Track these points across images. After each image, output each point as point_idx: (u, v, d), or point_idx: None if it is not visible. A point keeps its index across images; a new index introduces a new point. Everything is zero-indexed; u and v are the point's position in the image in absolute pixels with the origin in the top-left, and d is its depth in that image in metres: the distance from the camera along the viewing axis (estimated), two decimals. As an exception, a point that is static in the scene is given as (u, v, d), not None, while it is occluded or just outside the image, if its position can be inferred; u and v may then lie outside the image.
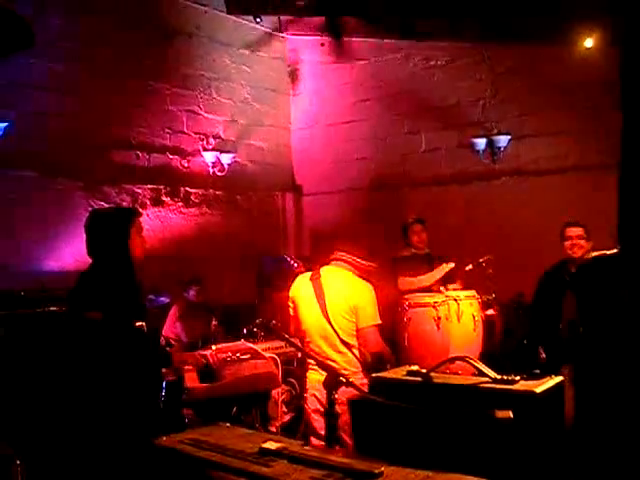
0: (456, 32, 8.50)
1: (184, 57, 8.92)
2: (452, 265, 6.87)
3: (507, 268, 7.22)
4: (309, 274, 4.97)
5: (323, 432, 4.42)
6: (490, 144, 8.66)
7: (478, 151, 8.72)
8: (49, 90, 7.47)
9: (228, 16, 9.34)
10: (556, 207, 7.80)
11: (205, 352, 5.55)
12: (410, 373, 3.29)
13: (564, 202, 7.86)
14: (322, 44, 9.53)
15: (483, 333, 6.84)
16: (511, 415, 2.69)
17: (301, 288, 4.94)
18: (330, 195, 9.91)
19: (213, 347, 5.65)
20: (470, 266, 7.13)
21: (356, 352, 4.76)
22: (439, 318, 6.41)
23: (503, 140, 8.57)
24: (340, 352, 4.74)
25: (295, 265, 6.00)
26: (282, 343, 6.52)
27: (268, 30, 9.95)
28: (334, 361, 4.68)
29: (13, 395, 4.77)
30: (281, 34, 10.15)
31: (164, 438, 2.78)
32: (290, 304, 5.00)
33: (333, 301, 4.77)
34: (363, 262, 4.98)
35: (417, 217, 7.22)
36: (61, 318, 4.10)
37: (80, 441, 3.66)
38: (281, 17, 9.80)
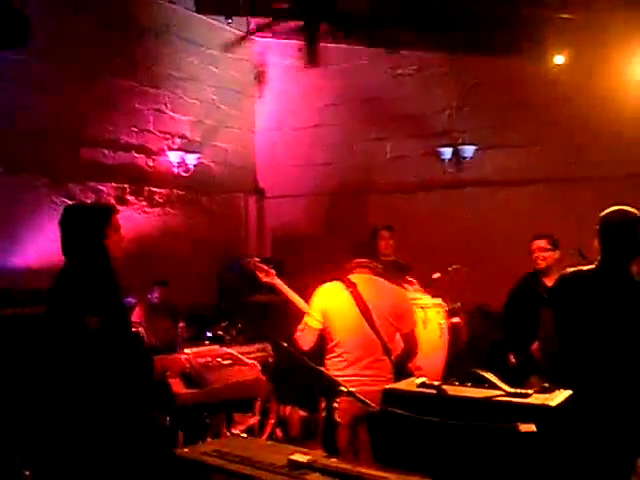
0: (426, 43, 8.58)
1: (152, 56, 8.82)
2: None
3: (472, 277, 7.33)
4: (338, 284, 4.84)
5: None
6: (456, 154, 8.78)
7: (444, 160, 8.83)
8: (15, 85, 7.30)
9: (197, 16, 9.25)
10: (521, 218, 7.96)
11: (181, 356, 5.47)
12: (422, 385, 3.31)
13: (529, 213, 8.02)
14: (299, 49, 9.49)
15: (448, 340, 6.92)
16: (534, 428, 2.72)
17: (334, 299, 4.77)
18: (293, 199, 9.89)
19: (187, 351, 5.57)
20: (438, 274, 7.21)
21: (392, 358, 4.75)
22: (406, 325, 6.44)
23: (469, 150, 8.69)
24: (381, 360, 4.69)
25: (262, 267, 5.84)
26: (254, 348, 6.51)
27: (236, 31, 9.89)
28: (376, 369, 4.63)
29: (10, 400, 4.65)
30: (250, 36, 10.10)
31: (186, 450, 2.74)
32: (317, 316, 4.74)
33: (379, 308, 4.69)
34: (380, 267, 4.98)
35: (386, 224, 7.26)
36: (50, 320, 3.95)
37: (80, 448, 3.58)
38: (251, 19, 9.75)
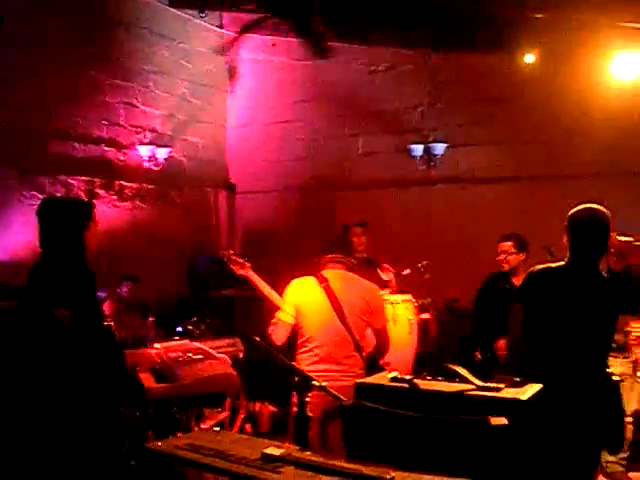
0: (399, 40, 8.61)
1: (124, 49, 8.74)
2: (390, 270, 6.97)
3: (442, 273, 7.38)
4: (310, 279, 4.85)
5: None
6: (427, 151, 8.81)
7: (415, 157, 8.86)
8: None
9: (169, 9, 9.18)
10: (491, 215, 8.03)
11: (151, 351, 5.46)
12: (394, 379, 3.33)
13: (498, 210, 8.09)
14: (273, 44, 9.47)
15: (418, 336, 6.97)
16: (506, 422, 2.76)
17: (306, 294, 4.79)
18: (264, 194, 9.88)
19: (157, 345, 5.55)
20: (408, 270, 7.26)
21: (363, 355, 4.77)
22: (375, 322, 6.47)
23: (440, 147, 8.73)
24: (352, 356, 4.70)
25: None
26: (224, 343, 6.52)
27: (208, 25, 9.84)
28: (347, 365, 4.65)
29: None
30: (221, 30, 10.06)
31: (159, 443, 2.73)
32: (290, 311, 4.77)
33: (350, 303, 4.72)
34: (354, 262, 5.00)
35: (359, 220, 7.28)
36: (22, 312, 3.93)
37: (49, 442, 3.56)
38: (224, 14, 9.72)
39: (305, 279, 4.88)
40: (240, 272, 5.34)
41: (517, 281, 6.44)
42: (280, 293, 5.04)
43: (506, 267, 6.49)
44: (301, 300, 4.79)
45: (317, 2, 8.19)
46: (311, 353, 4.70)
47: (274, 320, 4.86)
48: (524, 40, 7.68)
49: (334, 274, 4.84)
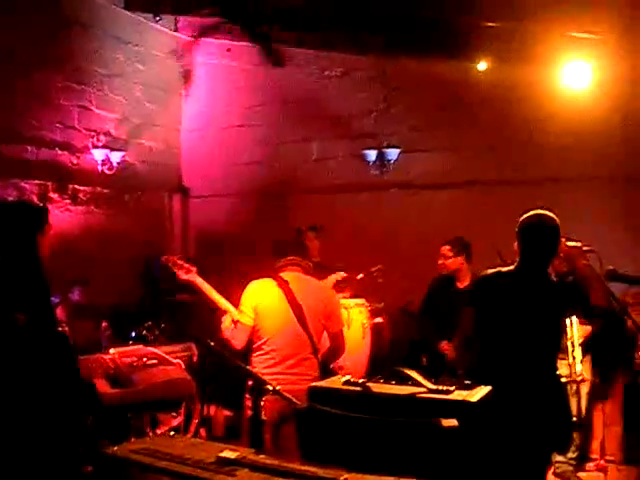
0: (353, 46, 8.67)
1: (78, 51, 8.65)
2: (343, 275, 7.00)
3: (395, 277, 7.46)
4: (270, 281, 4.87)
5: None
6: (380, 156, 8.88)
7: (368, 162, 8.93)
8: None
9: (125, 12, 9.11)
10: (442, 220, 8.12)
11: (105, 356, 5.45)
12: (347, 382, 3.38)
13: (450, 215, 8.20)
14: (228, 49, 9.48)
15: (371, 340, 7.05)
16: (456, 423, 2.83)
17: (266, 296, 4.80)
18: (219, 198, 9.87)
19: (112, 350, 5.54)
20: (361, 275, 7.33)
21: (319, 357, 4.80)
22: (329, 326, 6.51)
23: (393, 153, 8.82)
24: (309, 358, 4.73)
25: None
26: (179, 347, 6.52)
27: (164, 29, 9.80)
28: (304, 366, 4.68)
29: None
30: (176, 34, 10.03)
31: (115, 448, 2.75)
32: (249, 312, 4.77)
33: (310, 306, 4.76)
34: (310, 264, 5.04)
35: (312, 224, 7.32)
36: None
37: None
38: (179, 18, 9.70)
39: (264, 281, 4.89)
40: (185, 277, 5.10)
41: (461, 284, 6.59)
42: (234, 297, 5.03)
43: (444, 271, 6.65)
44: (260, 302, 4.78)
45: (269, 8, 8.20)
46: (268, 356, 4.71)
47: (226, 324, 4.86)
48: (477, 48, 7.80)
49: (292, 276, 4.87)
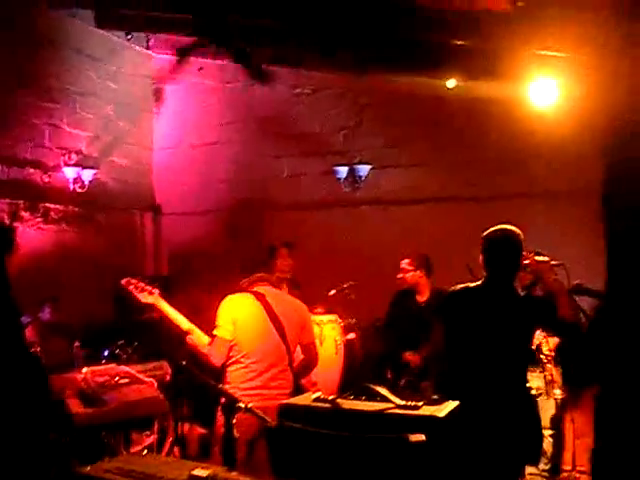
0: (324, 63, 8.72)
1: (50, 69, 8.68)
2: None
3: (367, 293, 7.51)
4: (247, 295, 4.85)
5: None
6: (351, 172, 8.95)
7: (340, 179, 8.99)
8: None
9: (97, 30, 9.15)
10: (412, 236, 8.18)
11: (78, 375, 5.42)
12: (317, 400, 3.42)
13: (419, 231, 8.26)
14: (200, 68, 9.50)
15: (344, 356, 7.09)
16: (424, 438, 2.87)
17: (244, 309, 4.77)
18: (191, 216, 9.89)
19: (84, 370, 5.52)
20: (333, 291, 7.38)
21: (293, 368, 4.82)
22: (302, 342, 6.54)
23: (364, 169, 8.89)
24: (285, 370, 4.74)
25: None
26: (151, 366, 6.49)
27: (136, 47, 9.84)
28: (281, 379, 4.69)
29: None
30: (148, 52, 10.07)
31: (88, 468, 2.76)
32: (228, 327, 4.69)
33: (289, 318, 4.78)
34: (277, 281, 5.07)
35: (285, 241, 7.34)
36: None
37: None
38: (151, 36, 9.72)
39: (241, 295, 4.88)
40: (146, 300, 4.87)
41: (420, 298, 6.66)
42: (208, 313, 5.03)
43: (404, 284, 6.72)
44: (239, 315, 4.75)
45: (242, 26, 8.23)
46: (247, 369, 4.66)
47: (202, 342, 4.80)
48: (446, 65, 7.88)
49: (266, 290, 4.90)
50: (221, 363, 4.67)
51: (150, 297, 4.90)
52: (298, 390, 4.70)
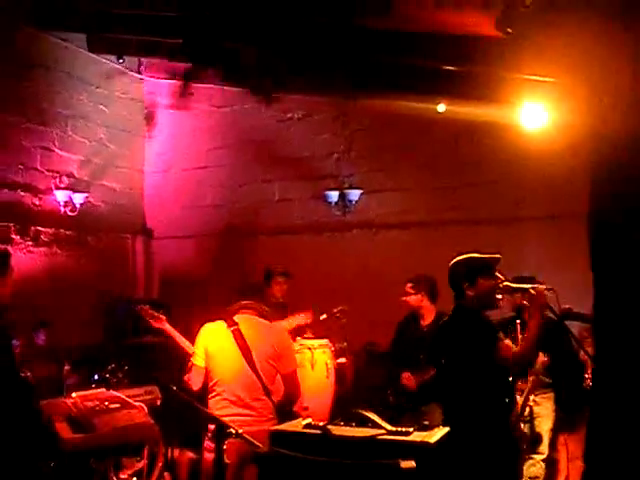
0: (314, 88, 8.76)
1: (41, 92, 8.70)
2: (306, 318, 7.05)
3: (357, 317, 7.50)
4: (221, 323, 4.93)
5: None
6: (342, 197, 8.98)
7: (330, 203, 9.02)
8: None
9: (88, 54, 9.20)
10: (402, 260, 8.20)
11: (68, 400, 5.40)
12: (308, 426, 3.41)
13: (409, 255, 8.27)
14: (191, 92, 9.53)
15: (335, 380, 7.07)
16: (414, 465, 2.87)
17: (216, 338, 4.88)
18: (182, 240, 9.89)
19: (74, 394, 5.49)
20: (324, 315, 7.37)
21: (274, 399, 4.83)
22: (294, 366, 6.53)
23: (354, 194, 8.92)
24: (261, 400, 4.76)
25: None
26: (142, 391, 6.47)
27: (127, 71, 9.88)
28: (255, 409, 4.70)
29: None
30: (140, 76, 10.12)
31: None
32: (201, 354, 4.85)
33: (259, 348, 4.80)
34: (266, 309, 5.09)
35: (284, 270, 7.33)
36: None
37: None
38: (143, 60, 9.76)
39: (215, 323, 4.99)
40: (156, 325, 5.60)
41: (424, 322, 6.65)
42: (194, 339, 5.12)
43: (407, 307, 6.71)
44: (210, 344, 4.89)
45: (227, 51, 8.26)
46: (220, 397, 4.77)
47: (189, 366, 4.93)
48: (435, 90, 7.92)
49: (244, 319, 4.95)
50: (197, 388, 4.82)
51: (159, 323, 5.55)
52: (286, 419, 4.71)
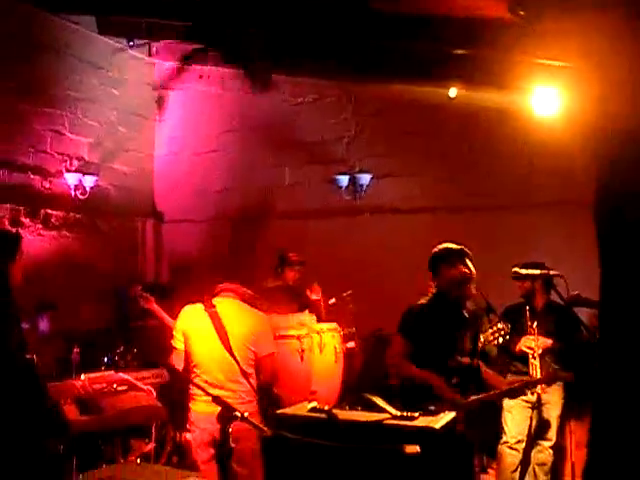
0: (324, 72, 8.72)
1: (52, 75, 8.68)
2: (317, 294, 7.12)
3: (367, 302, 7.51)
4: (200, 305, 4.98)
5: (204, 465, 4.48)
6: (353, 181, 8.96)
7: (341, 187, 8.99)
8: None
9: (99, 37, 9.17)
10: (413, 245, 8.13)
11: (76, 382, 5.40)
12: (313, 410, 3.41)
13: (419, 240, 8.19)
14: (200, 76, 9.51)
15: (344, 365, 7.06)
16: (419, 450, 2.86)
17: (194, 320, 4.94)
18: (192, 223, 9.88)
19: (82, 377, 5.50)
20: (333, 300, 7.37)
21: (253, 381, 4.87)
22: (303, 350, 6.53)
23: (365, 178, 8.89)
24: (239, 382, 4.81)
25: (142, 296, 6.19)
26: (150, 373, 6.49)
27: (138, 54, 9.85)
28: (232, 391, 4.73)
29: None
30: (151, 59, 10.08)
31: (81, 476, 2.75)
32: (179, 337, 4.94)
33: (235, 331, 4.84)
34: (248, 292, 5.10)
35: (299, 260, 7.33)
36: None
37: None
38: (153, 43, 9.73)
39: (194, 306, 5.05)
40: (145, 306, 5.95)
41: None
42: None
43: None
44: (188, 326, 4.97)
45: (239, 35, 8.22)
46: (199, 379, 4.82)
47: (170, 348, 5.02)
48: (447, 74, 7.87)
49: (224, 302, 4.99)
50: (180, 369, 4.96)
51: (147, 304, 5.84)
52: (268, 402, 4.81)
